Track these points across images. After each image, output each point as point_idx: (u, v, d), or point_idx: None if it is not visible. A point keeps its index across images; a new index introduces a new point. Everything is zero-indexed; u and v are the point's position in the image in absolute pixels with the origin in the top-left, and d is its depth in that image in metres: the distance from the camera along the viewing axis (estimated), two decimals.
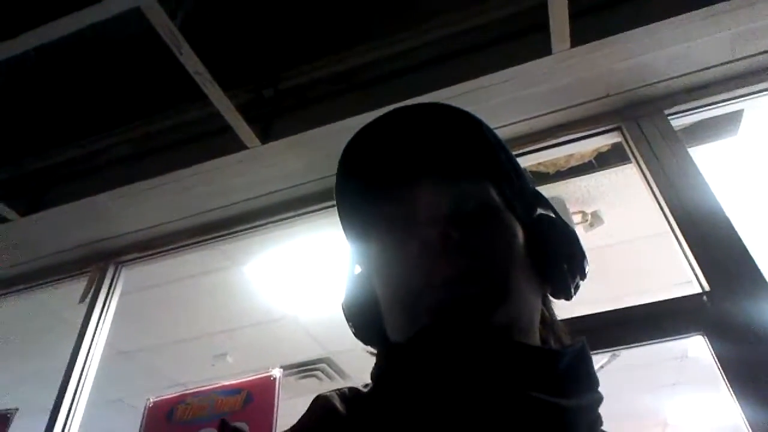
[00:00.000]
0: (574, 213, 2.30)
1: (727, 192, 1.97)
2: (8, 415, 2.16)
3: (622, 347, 1.42)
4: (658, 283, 2.55)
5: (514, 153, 1.76)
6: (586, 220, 2.33)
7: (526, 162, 1.89)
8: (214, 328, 3.03)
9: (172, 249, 2.18)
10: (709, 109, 1.68)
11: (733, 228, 1.38)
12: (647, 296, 1.42)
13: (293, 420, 0.53)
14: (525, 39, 1.71)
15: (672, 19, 1.55)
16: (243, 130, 1.81)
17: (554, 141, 1.79)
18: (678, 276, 1.55)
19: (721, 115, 1.76)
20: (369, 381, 0.55)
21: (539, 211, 0.58)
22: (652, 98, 1.70)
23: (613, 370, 3.22)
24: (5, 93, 2.09)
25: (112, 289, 2.15)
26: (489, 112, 1.73)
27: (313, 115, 1.86)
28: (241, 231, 2.09)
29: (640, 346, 1.34)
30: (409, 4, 1.93)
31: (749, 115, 1.86)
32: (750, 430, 1.11)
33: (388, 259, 0.54)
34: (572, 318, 1.38)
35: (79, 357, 1.94)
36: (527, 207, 0.58)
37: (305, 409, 0.53)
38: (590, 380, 0.50)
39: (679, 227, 1.44)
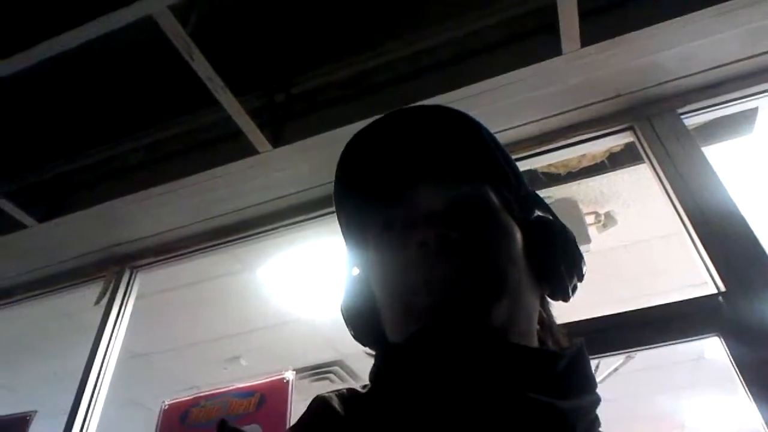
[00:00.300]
0: (587, 214, 2.28)
1: (742, 191, 1.94)
2: (27, 418, 2.19)
3: (637, 349, 1.41)
4: (672, 284, 2.52)
5: (525, 154, 1.75)
6: (599, 221, 2.31)
7: (537, 163, 1.88)
8: (227, 331, 3.05)
9: (186, 253, 2.20)
10: (723, 108, 1.66)
11: (749, 227, 1.37)
12: (662, 297, 1.41)
13: None
14: (534, 40, 1.71)
15: (683, 17, 1.54)
16: (255, 134, 1.83)
17: (566, 142, 1.78)
18: (693, 277, 1.53)
19: (735, 113, 1.74)
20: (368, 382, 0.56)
21: (537, 212, 0.59)
22: (665, 97, 1.68)
23: (629, 372, 3.19)
24: (21, 102, 2.13)
25: (128, 292, 2.18)
26: (499, 113, 1.73)
27: (323, 119, 1.87)
28: (254, 235, 2.10)
29: (655, 347, 1.32)
30: (418, 8, 1.93)
31: (764, 113, 1.83)
32: None
33: (386, 260, 0.54)
34: (586, 320, 1.38)
35: (95, 360, 1.97)
36: (525, 209, 0.59)
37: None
38: (588, 382, 0.50)
39: (693, 227, 1.42)
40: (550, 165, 2.00)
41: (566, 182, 2.11)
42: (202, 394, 2.01)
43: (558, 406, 0.44)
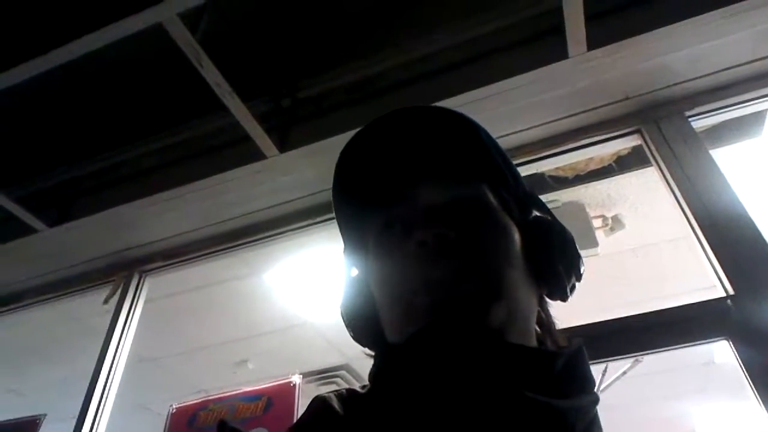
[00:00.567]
0: (595, 217, 2.27)
1: (751, 194, 1.93)
2: (37, 421, 2.20)
3: (645, 353, 1.40)
4: (681, 288, 2.50)
5: (532, 158, 1.75)
6: (607, 225, 2.30)
7: (544, 166, 1.88)
8: (235, 335, 3.06)
9: (194, 257, 2.21)
10: (731, 110, 1.65)
11: (757, 230, 1.36)
12: (670, 301, 1.40)
13: None
14: (541, 43, 1.71)
15: (690, 19, 1.53)
16: (262, 139, 1.84)
17: (573, 145, 1.77)
18: (701, 280, 1.52)
19: (743, 116, 1.73)
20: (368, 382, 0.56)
21: (535, 213, 0.59)
22: (672, 100, 1.68)
23: (638, 375, 3.16)
24: (33, 108, 2.16)
25: (137, 296, 2.19)
26: (506, 117, 1.73)
27: (330, 124, 1.88)
28: (261, 239, 2.11)
29: (663, 351, 1.32)
30: (424, 12, 1.94)
31: None
32: None
33: (385, 260, 0.55)
34: (593, 323, 1.37)
35: (104, 364, 1.98)
36: (523, 209, 0.59)
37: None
38: (586, 382, 0.50)
39: (701, 230, 1.41)
40: (557, 168, 2.00)
41: (574, 185, 2.11)
42: (209, 398, 2.02)
43: (556, 405, 0.44)
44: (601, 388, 3.00)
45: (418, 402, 0.46)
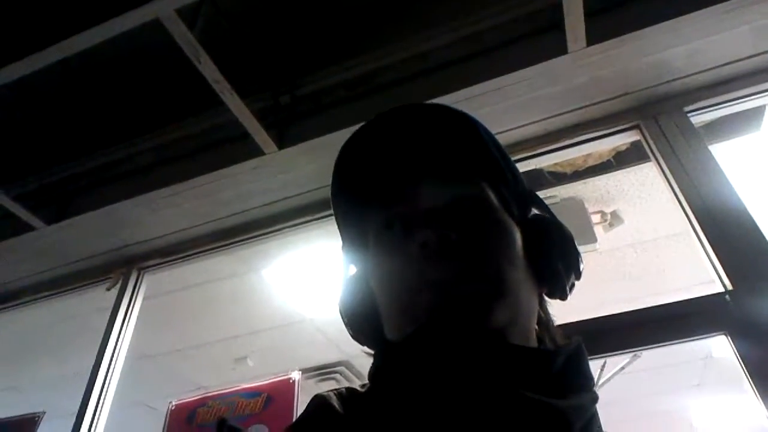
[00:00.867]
0: (594, 213, 2.27)
1: (749, 189, 1.93)
2: (36, 419, 2.21)
3: (643, 348, 1.41)
4: (679, 283, 2.51)
5: (531, 154, 1.74)
6: (606, 220, 2.30)
7: (543, 162, 1.87)
8: (234, 332, 3.07)
9: (193, 254, 2.21)
10: (730, 105, 1.66)
11: (756, 226, 1.36)
12: (669, 296, 1.40)
13: None
14: (540, 39, 1.70)
15: (690, 14, 1.53)
16: (261, 136, 1.84)
17: (572, 141, 1.77)
18: (700, 275, 1.53)
19: (742, 111, 1.73)
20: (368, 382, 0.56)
21: (534, 211, 0.59)
22: (671, 95, 1.68)
23: (637, 371, 3.18)
24: (31, 105, 2.15)
25: (135, 294, 2.19)
26: (505, 113, 1.73)
27: (329, 120, 1.88)
28: (260, 236, 2.11)
29: (662, 346, 1.32)
30: (422, 8, 1.93)
31: None
32: None
33: (386, 259, 0.54)
34: (592, 319, 1.37)
35: (103, 361, 1.98)
36: (523, 207, 0.59)
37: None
38: (585, 380, 0.50)
39: (700, 226, 1.42)
40: (556, 164, 2.00)
41: (572, 181, 2.11)
42: (209, 395, 2.02)
43: (555, 404, 0.44)
44: (599, 383, 3.01)
45: (418, 401, 0.46)
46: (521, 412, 0.43)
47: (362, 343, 0.60)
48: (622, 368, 3.11)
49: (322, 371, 3.35)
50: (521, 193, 0.60)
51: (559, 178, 2.10)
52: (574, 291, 0.58)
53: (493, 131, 0.60)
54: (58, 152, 2.32)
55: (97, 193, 2.22)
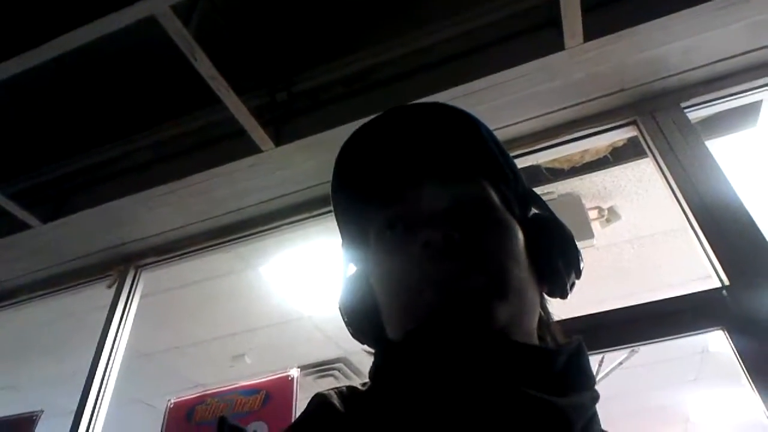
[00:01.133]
0: (591, 209, 2.28)
1: (746, 184, 1.93)
2: (34, 418, 2.20)
3: (641, 343, 1.41)
4: (676, 279, 2.52)
5: (528, 150, 1.74)
6: (603, 216, 2.31)
7: (540, 159, 1.88)
8: (232, 329, 3.06)
9: (190, 252, 2.21)
10: (727, 101, 1.66)
11: (752, 221, 1.37)
12: (666, 292, 1.41)
13: None
14: (537, 35, 1.70)
15: (686, 10, 1.53)
16: (257, 133, 1.83)
17: (569, 137, 1.77)
18: (697, 271, 1.53)
19: (739, 107, 1.73)
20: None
21: (534, 210, 0.60)
22: (668, 91, 1.68)
23: (634, 366, 3.19)
24: (25, 103, 2.14)
25: (132, 292, 2.19)
26: (502, 109, 1.73)
27: (326, 117, 1.87)
28: (257, 233, 2.11)
29: (659, 342, 1.33)
30: (420, 4, 1.93)
31: None
32: None
33: (388, 259, 0.54)
34: (590, 314, 1.38)
35: (101, 359, 1.98)
36: (524, 206, 0.59)
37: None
38: (586, 379, 0.50)
39: (697, 221, 1.42)
40: (553, 160, 2.00)
41: (569, 177, 2.11)
42: (207, 392, 2.02)
43: (556, 403, 0.44)
44: (597, 379, 3.02)
45: (418, 400, 0.46)
46: (523, 410, 0.43)
47: (362, 342, 0.60)
48: (620, 363, 3.12)
49: (320, 368, 3.35)
50: (521, 192, 0.60)
51: (556, 174, 2.11)
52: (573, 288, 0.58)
53: (490, 127, 0.60)
54: (54, 150, 2.31)
55: (94, 191, 2.21)
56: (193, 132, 2.12)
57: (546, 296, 0.59)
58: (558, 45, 1.61)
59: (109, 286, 2.17)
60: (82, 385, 1.94)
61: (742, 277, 1.30)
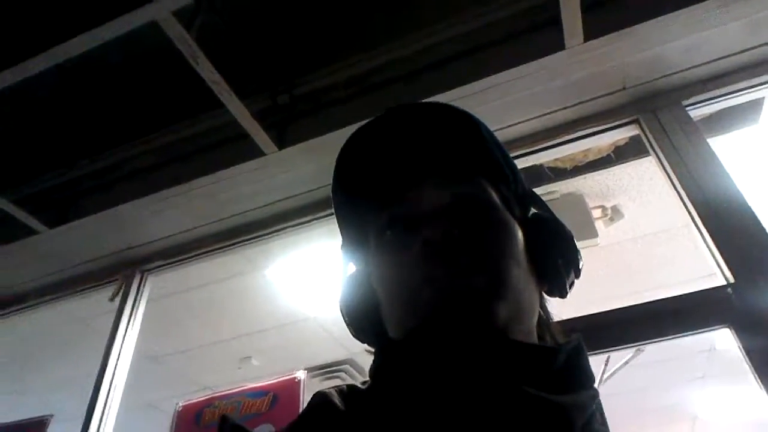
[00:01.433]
0: (594, 208, 2.27)
1: (749, 181, 1.93)
2: (45, 422, 2.22)
3: (647, 342, 1.41)
4: (681, 277, 2.51)
5: (530, 150, 1.75)
6: (606, 215, 2.31)
7: (543, 158, 1.88)
8: (239, 332, 3.07)
9: (196, 255, 2.22)
10: (729, 98, 1.66)
11: (756, 218, 1.36)
12: (671, 290, 1.41)
13: None
14: (537, 35, 1.70)
15: (686, 9, 1.53)
16: (260, 136, 1.84)
17: (571, 136, 1.77)
18: (702, 269, 1.53)
19: (741, 104, 1.73)
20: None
21: (534, 210, 0.60)
22: (670, 89, 1.68)
23: (640, 364, 3.18)
24: (29, 109, 2.15)
25: (139, 296, 2.20)
26: (504, 110, 1.73)
27: (328, 120, 1.88)
28: (262, 236, 2.12)
29: (665, 340, 1.32)
30: (420, 5, 1.93)
31: None
32: None
33: (389, 258, 0.55)
34: (595, 314, 1.38)
35: (109, 363, 1.99)
36: (523, 206, 0.60)
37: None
38: (586, 377, 0.51)
39: (701, 219, 1.42)
40: (556, 160, 2.00)
41: (572, 177, 2.11)
42: (215, 395, 2.03)
43: (556, 401, 0.44)
44: (604, 377, 3.01)
45: (419, 398, 0.46)
46: (523, 408, 0.43)
47: (363, 341, 0.60)
48: (626, 362, 3.11)
49: (327, 370, 3.36)
50: (521, 192, 0.61)
51: (559, 173, 2.11)
52: (577, 285, 0.58)
53: (491, 128, 0.61)
54: (59, 156, 2.33)
55: (99, 196, 2.23)
56: (196, 136, 2.13)
57: (545, 296, 0.59)
58: (558, 45, 1.61)
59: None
60: (91, 390, 1.95)
61: (748, 275, 1.30)
